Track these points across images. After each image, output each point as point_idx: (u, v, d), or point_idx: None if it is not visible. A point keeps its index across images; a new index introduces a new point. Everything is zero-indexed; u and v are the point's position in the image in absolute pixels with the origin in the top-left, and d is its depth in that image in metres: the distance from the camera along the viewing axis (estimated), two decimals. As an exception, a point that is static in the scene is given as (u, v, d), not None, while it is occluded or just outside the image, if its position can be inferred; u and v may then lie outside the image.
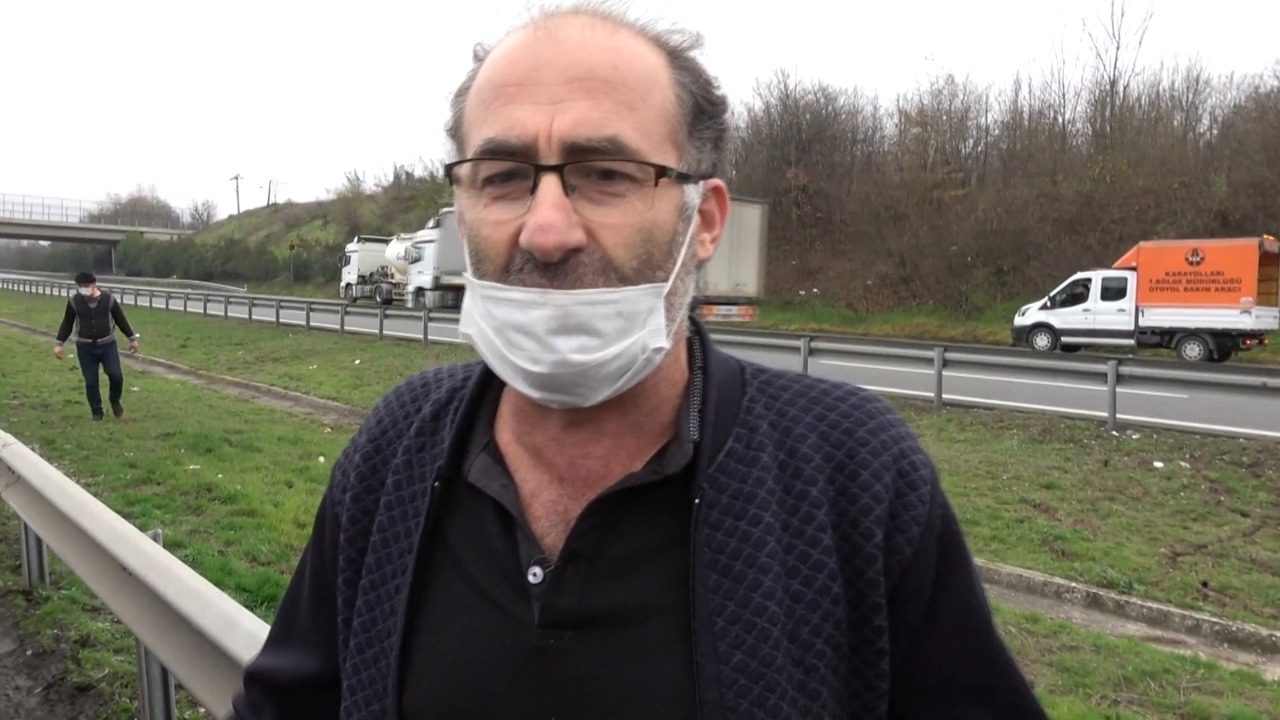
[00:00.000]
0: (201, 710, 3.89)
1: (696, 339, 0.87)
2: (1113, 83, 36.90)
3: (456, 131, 0.79)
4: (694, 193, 0.78)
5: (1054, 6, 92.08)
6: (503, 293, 0.73)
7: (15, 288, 62.87)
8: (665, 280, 0.75)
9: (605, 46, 0.74)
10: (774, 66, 58.06)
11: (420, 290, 33.09)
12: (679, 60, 0.78)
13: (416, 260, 34.00)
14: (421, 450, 0.87)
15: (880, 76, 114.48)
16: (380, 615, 0.84)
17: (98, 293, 11.89)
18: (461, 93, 0.79)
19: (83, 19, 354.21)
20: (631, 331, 0.73)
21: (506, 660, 0.77)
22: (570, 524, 0.79)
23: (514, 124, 0.72)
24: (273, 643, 1.01)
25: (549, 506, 0.81)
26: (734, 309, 24.02)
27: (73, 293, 12.07)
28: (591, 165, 0.72)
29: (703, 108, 0.78)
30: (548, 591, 0.77)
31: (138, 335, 12.77)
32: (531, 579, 0.78)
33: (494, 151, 0.73)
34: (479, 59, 0.79)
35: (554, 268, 0.71)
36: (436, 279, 31.75)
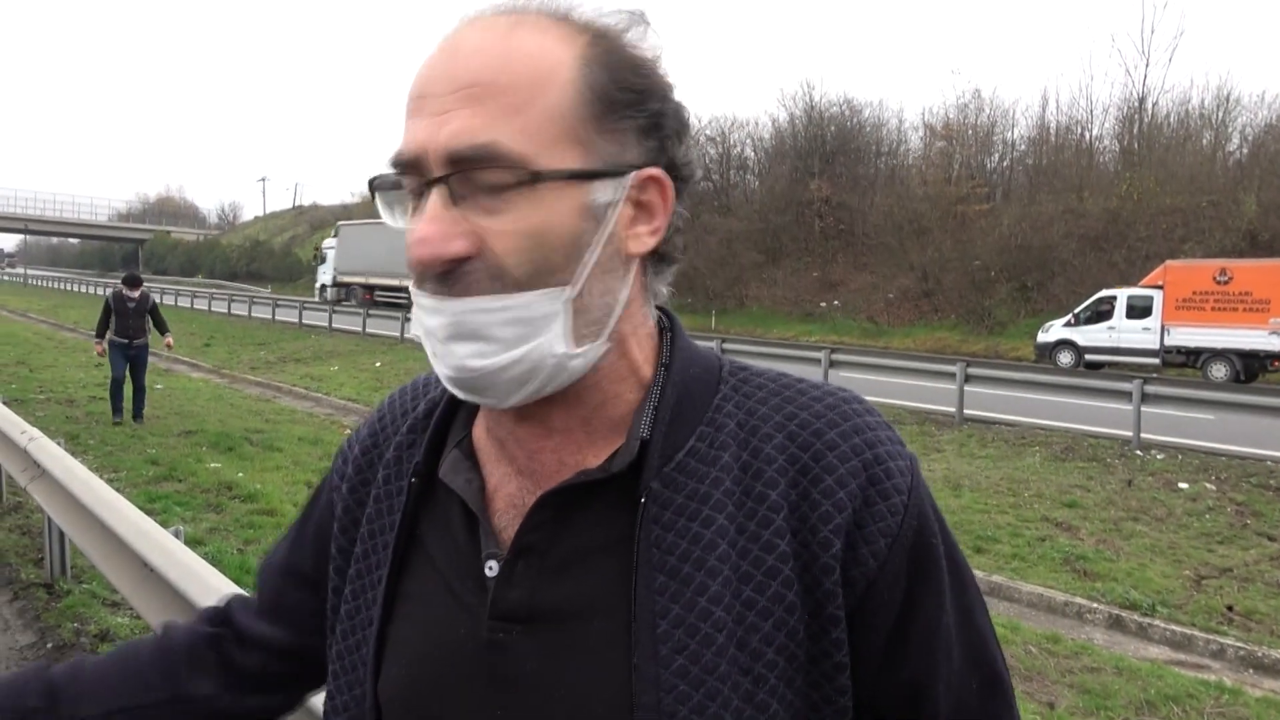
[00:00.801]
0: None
1: (668, 336, 0.84)
2: (1141, 100, 36.62)
3: None
4: (608, 189, 0.74)
5: (1083, 22, 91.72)
6: (420, 299, 0.75)
7: (45, 284, 63.71)
8: (567, 283, 0.73)
9: (494, 51, 0.73)
10: (799, 78, 58.02)
11: (323, 286, 41.17)
12: (597, 49, 0.75)
13: (322, 262, 42.24)
14: (411, 447, 0.88)
15: (906, 90, 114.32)
16: (363, 604, 0.86)
17: (138, 293, 11.53)
18: None
19: (117, 23, 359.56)
20: (531, 338, 0.73)
21: (461, 652, 0.78)
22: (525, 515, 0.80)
23: (410, 138, 0.73)
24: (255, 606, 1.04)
25: (509, 500, 0.81)
26: (401, 294, 31.52)
27: (111, 290, 11.77)
28: (471, 174, 0.71)
29: (614, 98, 0.74)
30: (499, 585, 0.77)
31: (171, 335, 12.36)
32: (488, 572, 0.78)
33: (395, 165, 0.75)
34: None
35: (447, 277, 0.72)
36: (335, 279, 39.62)
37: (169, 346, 12.55)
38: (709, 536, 0.75)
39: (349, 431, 1.04)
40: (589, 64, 0.74)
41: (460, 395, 0.78)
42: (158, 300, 12.20)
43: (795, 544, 0.75)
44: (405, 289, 27.27)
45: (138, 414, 11.37)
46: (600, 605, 0.75)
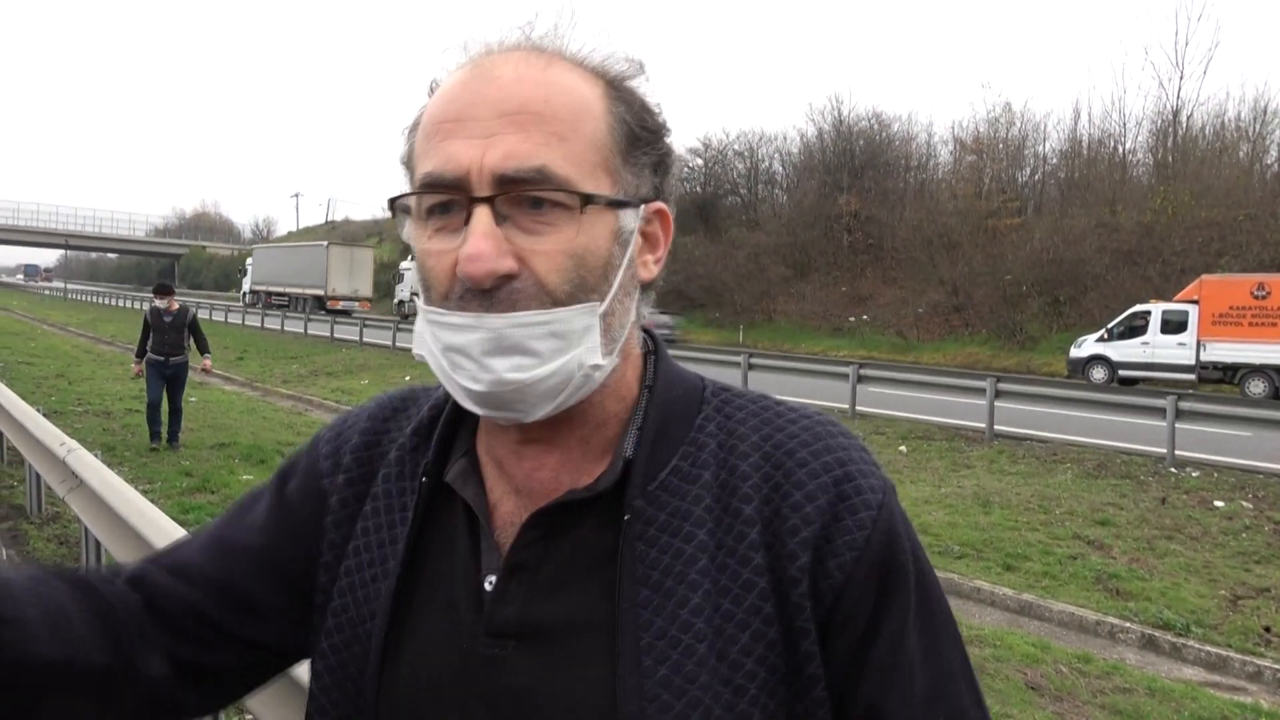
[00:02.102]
0: (248, 718, 3.95)
1: (652, 358, 0.88)
2: (1175, 112, 36.20)
3: (408, 164, 0.83)
4: (631, 217, 0.80)
5: (1116, 35, 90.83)
6: (444, 318, 0.76)
7: (84, 298, 64.90)
8: (601, 301, 0.78)
9: (537, 81, 0.77)
10: (828, 92, 57.94)
11: (244, 294, 51.71)
12: (616, 90, 0.81)
13: (244, 275, 53.35)
14: (415, 450, 0.89)
15: (935, 104, 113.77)
16: (355, 602, 0.85)
17: (175, 305, 10.71)
18: (413, 127, 0.82)
19: (157, 44, 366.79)
20: (567, 350, 0.76)
21: (458, 665, 0.80)
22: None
23: (450, 158, 0.75)
24: (175, 560, 0.91)
25: (507, 517, 0.84)
26: (354, 303, 42.33)
27: (149, 305, 10.94)
28: (521, 195, 0.74)
29: (638, 135, 0.80)
30: (494, 601, 0.80)
31: (210, 357, 11.32)
32: (487, 586, 0.81)
33: (432, 185, 0.76)
34: (432, 94, 0.82)
35: (489, 294, 0.74)
36: (251, 287, 50.65)
37: (206, 369, 11.43)
38: (690, 551, 0.78)
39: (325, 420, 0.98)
40: (615, 102, 0.80)
41: (482, 412, 0.79)
42: (196, 314, 11.30)
43: (769, 557, 0.77)
44: (286, 294, 33.47)
45: (173, 437, 10.66)
46: (587, 620, 0.78)
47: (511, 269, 0.74)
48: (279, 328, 33.07)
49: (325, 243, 45.84)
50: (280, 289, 45.98)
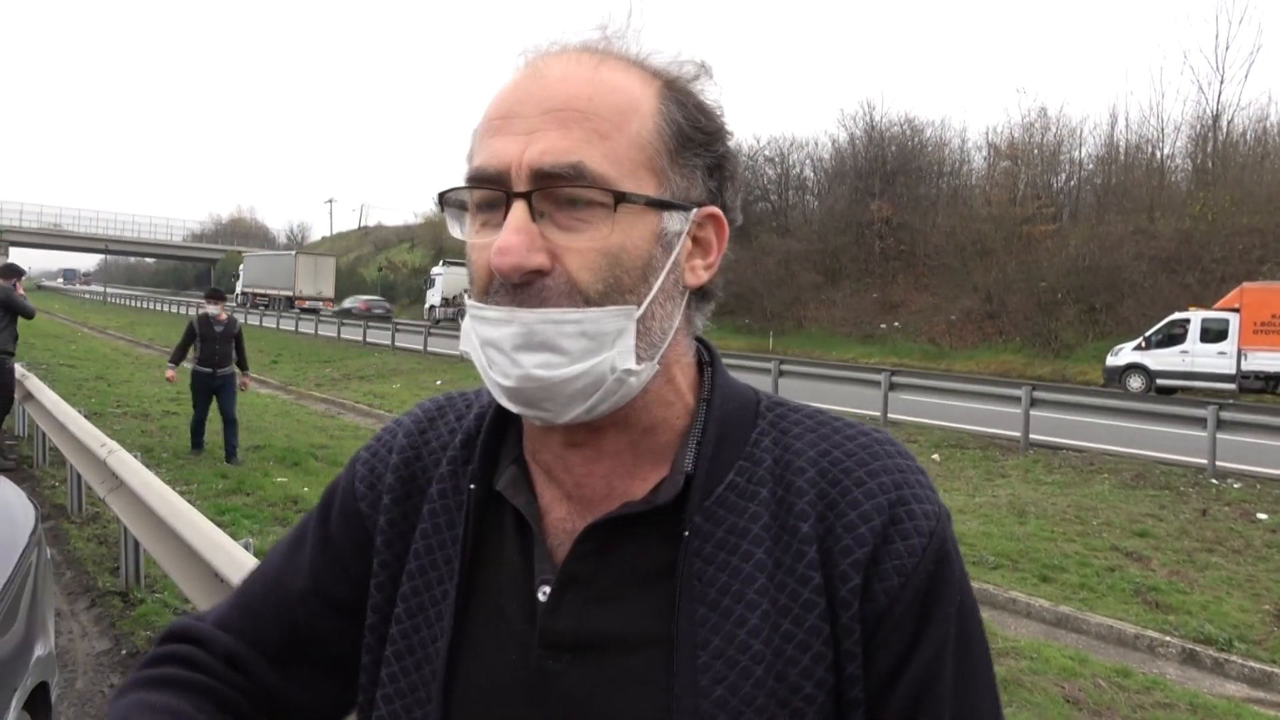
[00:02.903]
0: None
1: (708, 369, 0.87)
2: (1216, 117, 35.59)
3: (469, 160, 0.84)
4: (677, 219, 0.79)
5: (1154, 39, 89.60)
6: (481, 311, 0.77)
7: (123, 302, 66.06)
8: (637, 304, 0.76)
9: (584, 79, 0.77)
10: (860, 98, 57.66)
11: (237, 295, 57.08)
12: (672, 91, 0.80)
13: (237, 279, 60.46)
14: (467, 461, 0.88)
15: (969, 108, 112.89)
16: (424, 622, 0.84)
17: (225, 315, 10.17)
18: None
19: (196, 53, 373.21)
20: (598, 351, 0.75)
21: (512, 675, 0.79)
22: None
23: (495, 154, 0.76)
24: (233, 618, 0.94)
25: (558, 524, 0.83)
26: (319, 303, 49.02)
27: (198, 312, 10.38)
28: (557, 191, 0.74)
29: (689, 136, 0.79)
30: (548, 613, 0.79)
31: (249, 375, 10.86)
32: (540, 597, 0.80)
33: (475, 179, 0.77)
34: None
35: (521, 289, 0.74)
36: (241, 289, 58.01)
37: (244, 387, 10.57)
38: (748, 570, 0.77)
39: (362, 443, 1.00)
40: (667, 102, 0.79)
41: (515, 409, 0.78)
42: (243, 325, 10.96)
43: (824, 577, 0.76)
44: (267, 295, 38.79)
45: (231, 454, 10.00)
46: (643, 635, 0.77)
47: (542, 264, 0.74)
48: (313, 332, 33.45)
49: (293, 252, 57.23)
50: (262, 290, 54.23)
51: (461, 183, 0.80)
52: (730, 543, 0.77)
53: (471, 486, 0.85)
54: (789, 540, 0.77)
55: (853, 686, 0.75)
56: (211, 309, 10.11)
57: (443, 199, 0.81)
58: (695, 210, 0.80)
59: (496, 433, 0.88)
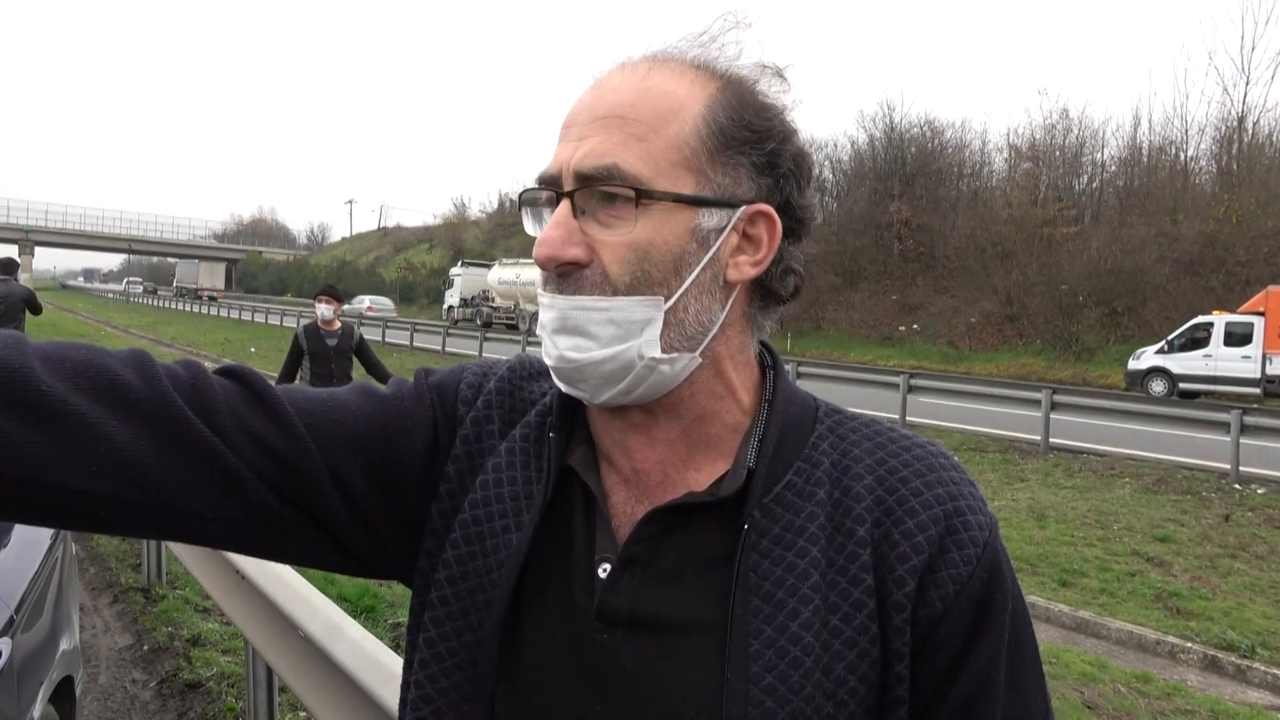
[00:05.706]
0: (303, 715, 4.02)
1: (771, 372, 0.90)
2: (1241, 119, 35.19)
3: None
4: (716, 216, 0.82)
5: (1178, 40, 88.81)
6: (540, 298, 0.85)
7: (145, 301, 66.75)
8: (664, 295, 0.81)
9: (631, 87, 0.83)
10: (879, 99, 57.39)
11: (174, 289, 79.43)
12: (726, 93, 0.84)
13: (174, 277, 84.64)
14: (543, 427, 0.90)
15: (990, 110, 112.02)
16: (480, 552, 0.85)
17: (338, 324, 7.56)
18: None
19: (218, 55, 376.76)
20: (625, 339, 0.80)
21: (567, 647, 0.83)
22: (634, 526, 0.84)
23: (554, 159, 0.84)
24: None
25: (619, 506, 0.87)
26: (213, 292, 75.54)
27: (302, 323, 8.24)
28: (594, 190, 0.80)
29: (733, 135, 0.82)
30: (606, 589, 0.82)
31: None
32: (600, 574, 0.83)
33: (538, 181, 0.85)
34: None
35: (563, 279, 0.81)
36: (175, 285, 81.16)
37: None
38: (803, 566, 0.80)
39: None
40: (714, 104, 0.83)
41: (561, 385, 0.85)
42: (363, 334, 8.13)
43: (877, 580, 0.80)
44: (185, 288, 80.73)
45: None
46: (697, 619, 0.80)
47: (578, 257, 0.80)
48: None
49: (197, 260, 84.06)
50: (184, 285, 78.68)
51: (533, 185, 0.88)
52: (787, 539, 0.81)
53: (553, 457, 0.87)
54: (843, 541, 0.81)
55: (898, 685, 0.79)
56: (324, 309, 7.51)
57: (522, 200, 0.89)
58: (743, 208, 0.83)
59: (572, 411, 0.90)
